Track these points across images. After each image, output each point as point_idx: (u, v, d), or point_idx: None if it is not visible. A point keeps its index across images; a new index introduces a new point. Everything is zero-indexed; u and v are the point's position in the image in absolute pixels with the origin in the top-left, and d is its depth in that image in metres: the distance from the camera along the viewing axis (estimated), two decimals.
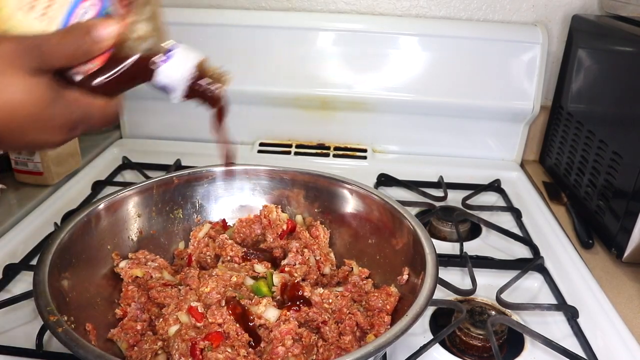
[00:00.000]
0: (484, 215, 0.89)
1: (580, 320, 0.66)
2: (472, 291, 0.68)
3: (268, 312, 0.55)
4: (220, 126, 0.55)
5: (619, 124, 0.84)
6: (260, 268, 0.64)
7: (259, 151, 1.13)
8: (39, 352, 0.57)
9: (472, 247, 0.81)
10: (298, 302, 0.57)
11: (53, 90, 0.40)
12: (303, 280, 0.63)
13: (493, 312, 0.64)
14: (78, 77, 0.43)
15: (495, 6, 1.07)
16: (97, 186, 0.94)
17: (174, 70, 0.47)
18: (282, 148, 1.13)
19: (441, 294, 0.68)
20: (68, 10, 0.42)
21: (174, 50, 0.46)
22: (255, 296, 0.59)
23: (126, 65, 0.44)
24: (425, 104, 1.08)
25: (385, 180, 1.00)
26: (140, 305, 0.58)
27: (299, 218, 0.73)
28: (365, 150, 1.13)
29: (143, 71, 0.46)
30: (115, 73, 0.44)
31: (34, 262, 0.73)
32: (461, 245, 0.78)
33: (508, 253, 0.80)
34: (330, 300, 0.58)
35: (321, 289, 0.60)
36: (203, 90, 0.49)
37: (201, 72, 0.49)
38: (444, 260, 0.75)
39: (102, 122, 0.46)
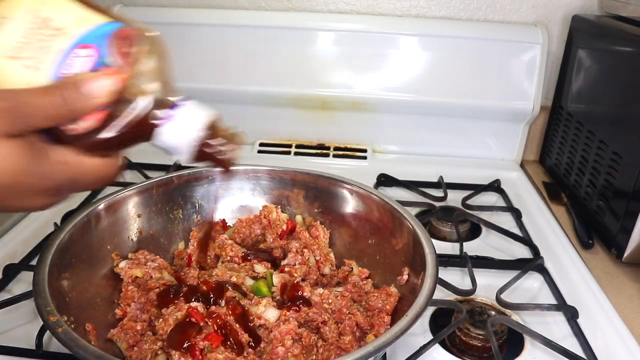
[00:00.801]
0: (484, 216, 0.89)
1: (580, 321, 0.66)
2: (472, 291, 0.68)
3: (268, 312, 0.55)
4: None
5: (619, 124, 0.84)
6: (260, 268, 0.64)
7: (259, 151, 1.13)
8: (39, 352, 0.57)
9: (472, 247, 0.81)
10: (298, 302, 0.57)
11: (29, 155, 0.36)
12: (303, 280, 0.63)
13: (493, 312, 0.64)
14: (68, 136, 0.38)
15: (495, 6, 1.07)
16: None
17: (180, 130, 0.41)
18: (282, 148, 1.13)
19: (441, 294, 0.68)
20: (61, 59, 0.38)
21: (180, 107, 0.41)
22: (255, 296, 0.59)
23: (124, 124, 0.39)
24: (425, 104, 1.08)
25: (385, 180, 1.00)
26: (140, 306, 0.58)
27: (298, 218, 0.73)
28: (365, 150, 1.13)
29: (144, 130, 0.41)
30: (111, 132, 0.39)
31: (34, 262, 0.73)
32: (461, 246, 0.78)
33: (508, 253, 0.80)
34: (330, 301, 0.58)
35: (321, 289, 0.60)
36: (213, 153, 0.44)
37: (211, 132, 0.43)
38: (444, 260, 0.75)
39: (95, 184, 0.41)
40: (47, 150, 0.38)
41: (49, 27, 0.38)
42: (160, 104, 0.41)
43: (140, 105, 0.40)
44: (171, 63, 0.41)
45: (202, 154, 0.43)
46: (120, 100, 0.39)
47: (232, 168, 0.48)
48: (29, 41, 0.37)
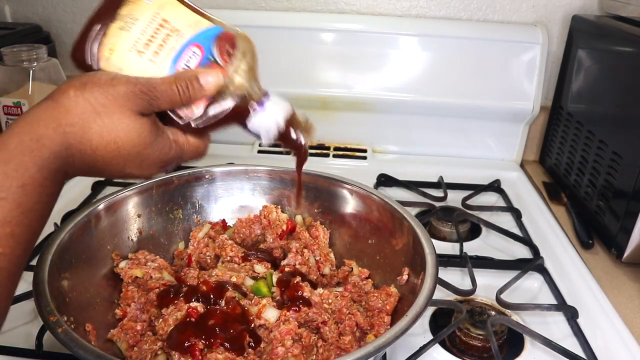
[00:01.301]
0: (484, 216, 0.89)
1: (580, 321, 0.66)
2: (472, 291, 0.68)
3: (268, 313, 0.55)
4: (299, 170, 0.59)
5: (619, 124, 0.84)
6: (260, 268, 0.64)
7: (259, 151, 1.13)
8: (39, 352, 0.57)
9: (472, 247, 0.81)
10: (298, 303, 0.57)
11: (154, 130, 0.45)
12: (303, 280, 0.63)
13: (493, 313, 0.64)
14: (178, 119, 0.47)
15: (495, 6, 1.07)
16: (97, 186, 0.94)
17: (266, 118, 0.49)
18: (282, 148, 1.13)
19: (441, 294, 0.68)
20: (176, 55, 0.46)
21: (267, 100, 0.49)
22: (255, 296, 0.59)
23: (224, 111, 0.47)
24: (425, 104, 1.08)
25: (385, 180, 1.00)
26: (140, 306, 0.58)
27: (298, 218, 0.73)
28: (365, 150, 1.13)
29: (238, 118, 0.49)
30: (213, 118, 0.47)
31: (34, 262, 0.72)
32: (461, 246, 0.78)
33: (508, 253, 0.80)
34: (330, 301, 0.58)
35: (321, 289, 0.60)
36: (292, 139, 0.52)
37: (290, 121, 0.51)
38: (444, 260, 0.75)
39: (194, 159, 0.50)
40: (165, 130, 0.47)
41: (167, 28, 0.46)
42: (252, 95, 0.48)
43: (238, 96, 0.47)
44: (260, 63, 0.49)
45: (283, 139, 0.52)
46: (222, 92, 0.47)
47: (307, 153, 0.56)
48: (152, 39, 0.46)
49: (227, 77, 0.46)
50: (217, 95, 0.47)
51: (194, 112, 0.47)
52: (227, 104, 0.47)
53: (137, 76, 0.44)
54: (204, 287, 0.58)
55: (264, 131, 0.50)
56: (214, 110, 0.47)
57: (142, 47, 0.45)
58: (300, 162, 0.58)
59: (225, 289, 0.58)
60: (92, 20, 0.46)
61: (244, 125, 0.50)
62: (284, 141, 0.52)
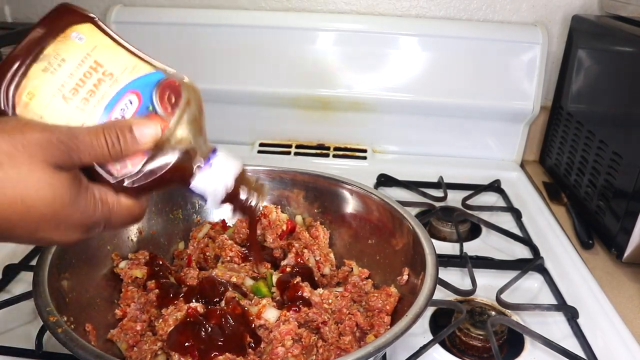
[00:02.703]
0: (484, 216, 0.89)
1: (580, 321, 0.66)
2: (472, 291, 0.68)
3: (268, 313, 0.55)
4: (252, 233, 0.56)
5: (619, 124, 0.84)
6: (260, 268, 0.64)
7: (259, 151, 1.13)
8: (39, 353, 0.57)
9: (472, 248, 0.81)
10: (298, 303, 0.57)
11: (75, 187, 0.38)
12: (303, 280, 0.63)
13: (493, 313, 0.64)
14: (107, 176, 0.41)
15: (495, 6, 1.07)
16: None
17: (213, 178, 0.44)
18: (282, 148, 1.13)
19: (441, 294, 0.68)
20: (109, 103, 0.40)
21: (213, 158, 0.44)
22: (255, 296, 0.59)
23: (163, 169, 0.41)
24: (425, 104, 1.08)
25: (385, 180, 1.00)
26: (140, 306, 0.58)
27: (298, 218, 0.73)
28: (365, 151, 1.13)
29: (181, 176, 0.43)
30: (150, 176, 0.41)
31: (34, 262, 0.73)
32: (461, 246, 0.78)
33: (508, 253, 0.80)
34: (330, 301, 0.58)
35: (321, 289, 0.60)
36: (241, 202, 0.47)
37: (239, 182, 0.46)
38: (444, 260, 0.75)
39: (126, 223, 0.43)
40: (90, 187, 0.40)
41: (99, 72, 0.40)
42: (197, 151, 0.43)
43: (180, 152, 0.41)
44: (206, 116, 0.44)
45: (231, 201, 0.46)
46: (161, 146, 0.41)
47: (258, 215, 0.50)
48: (81, 84, 0.40)
49: (168, 129, 0.41)
50: (156, 150, 0.40)
51: (128, 168, 0.40)
52: (168, 160, 0.41)
53: (57, 124, 0.38)
54: (195, 285, 0.59)
55: (211, 192, 0.44)
56: (152, 167, 0.41)
57: (68, 93, 0.39)
58: (252, 226, 0.54)
59: (225, 289, 0.58)
60: (12, 57, 0.39)
61: (187, 185, 0.43)
62: (233, 203, 0.47)
